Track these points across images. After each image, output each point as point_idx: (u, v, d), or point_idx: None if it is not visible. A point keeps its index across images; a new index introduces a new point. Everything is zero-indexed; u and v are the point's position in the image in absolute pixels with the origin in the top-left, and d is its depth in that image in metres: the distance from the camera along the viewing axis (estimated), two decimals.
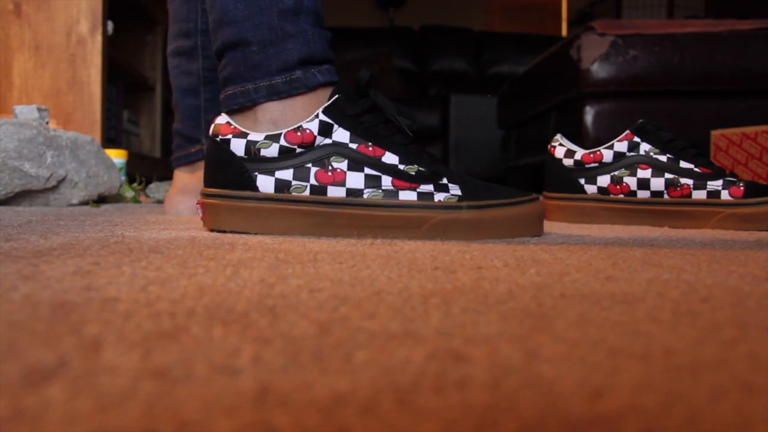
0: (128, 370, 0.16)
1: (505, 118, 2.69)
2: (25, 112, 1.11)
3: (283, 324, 0.22)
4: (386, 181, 0.53)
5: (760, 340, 0.21)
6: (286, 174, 0.54)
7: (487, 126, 3.01)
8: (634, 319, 0.23)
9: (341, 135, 0.54)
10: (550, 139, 2.00)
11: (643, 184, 0.79)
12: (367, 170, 0.54)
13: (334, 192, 0.54)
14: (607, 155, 0.82)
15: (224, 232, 0.56)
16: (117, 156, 1.44)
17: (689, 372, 0.17)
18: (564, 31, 4.67)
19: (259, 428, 0.13)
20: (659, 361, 0.18)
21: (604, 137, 1.66)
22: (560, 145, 0.88)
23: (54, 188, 1.02)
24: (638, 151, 0.80)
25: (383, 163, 0.54)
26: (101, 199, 1.15)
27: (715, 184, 0.76)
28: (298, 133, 0.53)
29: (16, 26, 1.65)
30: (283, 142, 0.54)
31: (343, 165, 0.54)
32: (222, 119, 0.56)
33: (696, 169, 0.77)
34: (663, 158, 0.79)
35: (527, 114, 2.34)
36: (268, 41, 0.57)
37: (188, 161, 0.98)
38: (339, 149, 0.54)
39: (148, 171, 2.11)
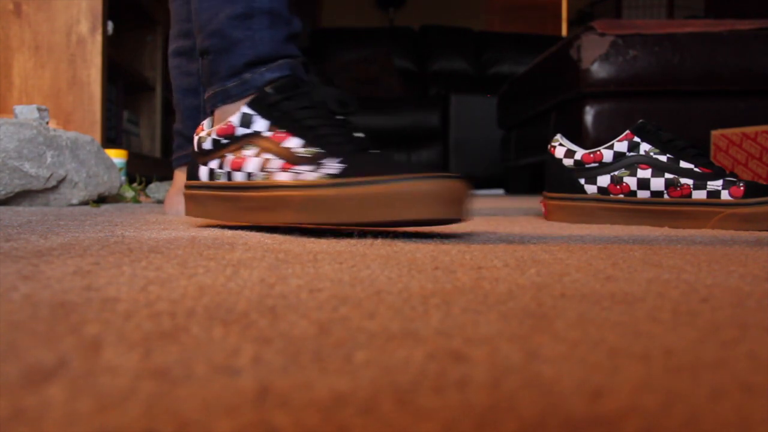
0: (128, 370, 0.16)
1: (505, 118, 2.70)
2: (25, 112, 1.11)
3: (283, 324, 0.22)
4: (276, 164, 0.55)
5: (760, 340, 0.21)
6: (214, 163, 0.60)
7: (487, 126, 3.01)
8: (634, 319, 0.23)
9: (260, 125, 0.57)
10: (550, 139, 2.00)
11: (643, 184, 0.79)
12: (265, 155, 0.56)
13: (238, 177, 0.57)
14: (607, 155, 0.82)
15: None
16: (117, 156, 1.44)
17: (689, 372, 0.17)
18: (564, 31, 4.67)
19: (259, 428, 0.13)
20: (659, 361, 0.18)
21: (604, 137, 1.66)
22: (560, 145, 0.88)
23: (54, 188, 1.02)
24: (638, 151, 0.80)
25: (280, 147, 0.55)
26: (101, 199, 1.15)
27: (715, 184, 0.76)
28: (225, 126, 0.58)
29: (16, 26, 1.65)
30: (214, 135, 0.59)
31: (249, 152, 0.57)
32: (205, 121, 0.63)
33: (696, 169, 0.77)
34: (663, 158, 0.79)
35: (527, 114, 2.34)
36: (221, 49, 0.61)
37: (188, 161, 0.99)
38: (253, 138, 0.57)
39: (148, 171, 2.11)
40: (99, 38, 1.68)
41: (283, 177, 0.53)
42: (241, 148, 0.57)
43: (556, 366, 0.17)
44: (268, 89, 0.57)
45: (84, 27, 1.67)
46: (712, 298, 0.28)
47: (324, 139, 0.54)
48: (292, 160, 0.54)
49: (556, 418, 0.14)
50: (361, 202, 0.48)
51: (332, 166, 0.51)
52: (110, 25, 1.79)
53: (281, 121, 0.56)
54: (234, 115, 0.58)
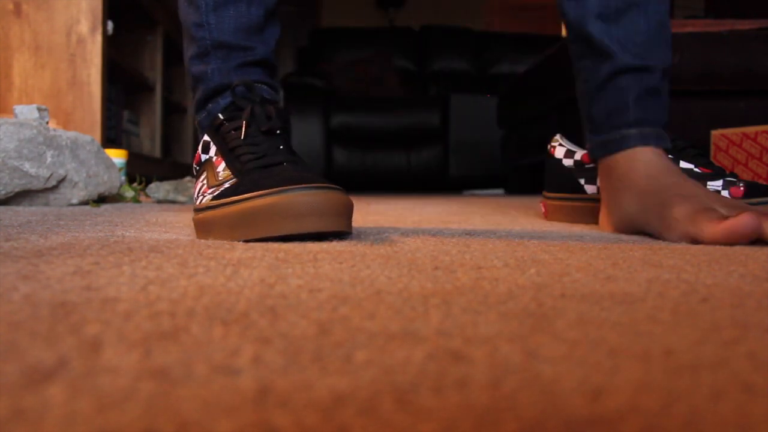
0: (128, 370, 0.16)
1: (505, 118, 2.69)
2: (25, 112, 1.11)
3: (283, 324, 0.22)
4: (205, 189, 0.57)
5: (760, 340, 0.21)
6: (195, 190, 0.62)
7: (487, 126, 3.01)
8: (634, 319, 0.23)
9: (212, 150, 0.59)
10: (550, 139, 2.00)
11: None
12: (203, 180, 0.59)
13: (198, 201, 0.58)
14: None
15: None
16: (117, 156, 1.44)
17: (689, 372, 0.17)
18: (564, 31, 4.67)
19: (259, 428, 0.13)
20: (659, 361, 0.18)
21: None
22: (560, 145, 0.88)
23: (54, 188, 1.02)
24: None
25: (215, 171, 0.57)
26: (101, 199, 1.15)
27: (715, 184, 0.76)
28: (197, 155, 0.62)
29: (16, 26, 1.65)
30: (195, 164, 0.63)
31: (201, 177, 0.60)
32: None
33: (696, 169, 0.77)
34: None
35: (527, 114, 2.34)
36: (192, 86, 0.68)
37: None
38: (206, 164, 0.60)
39: (148, 171, 2.11)
40: (99, 38, 1.68)
41: (199, 200, 0.57)
42: (202, 173, 0.61)
43: (556, 366, 0.17)
44: (220, 116, 0.60)
45: (84, 27, 1.67)
46: (712, 298, 0.28)
47: (235, 160, 0.55)
48: (212, 183, 0.57)
49: (556, 418, 0.14)
50: (230, 223, 0.48)
51: (222, 187, 0.53)
52: (110, 25, 1.79)
53: (219, 146, 0.59)
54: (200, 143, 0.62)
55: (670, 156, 0.69)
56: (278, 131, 0.57)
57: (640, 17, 0.63)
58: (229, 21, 0.64)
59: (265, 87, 0.66)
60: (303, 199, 0.45)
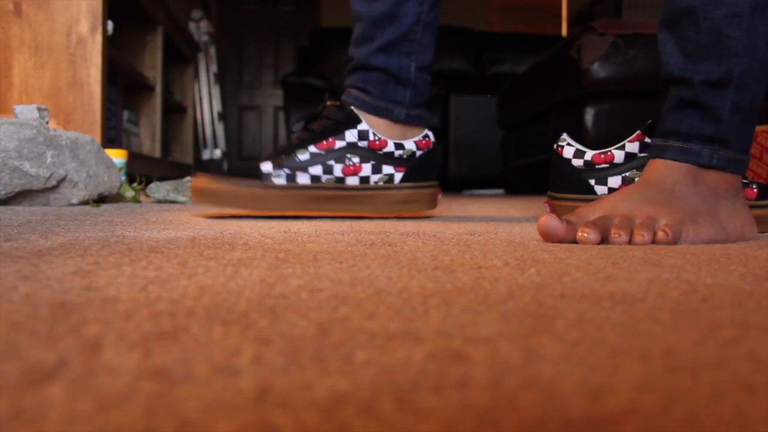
0: (128, 370, 0.16)
1: (505, 118, 2.69)
2: (25, 112, 1.11)
3: (283, 324, 0.22)
4: None
5: (760, 340, 0.21)
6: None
7: (487, 126, 3.01)
8: (634, 319, 0.23)
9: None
10: (550, 138, 2.00)
11: None
12: None
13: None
14: (618, 156, 0.81)
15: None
16: (117, 156, 1.44)
17: (689, 372, 0.17)
18: (564, 31, 4.67)
19: (259, 428, 0.13)
20: (659, 361, 0.18)
21: (605, 137, 1.66)
22: (568, 144, 0.87)
23: (54, 188, 1.02)
24: (649, 152, 0.80)
25: None
26: (101, 199, 1.15)
27: None
28: None
29: (16, 26, 1.65)
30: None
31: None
32: None
33: None
34: None
35: (527, 114, 2.34)
36: None
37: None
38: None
39: (148, 171, 2.11)
40: (99, 38, 1.68)
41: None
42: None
43: (556, 366, 0.17)
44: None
45: (84, 27, 1.67)
46: (712, 297, 0.28)
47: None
48: None
49: (556, 418, 0.14)
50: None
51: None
52: (110, 25, 1.79)
53: None
54: None
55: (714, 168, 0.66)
56: None
57: (691, 25, 0.60)
58: None
59: None
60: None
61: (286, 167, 0.77)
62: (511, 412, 0.14)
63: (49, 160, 0.99)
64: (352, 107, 0.80)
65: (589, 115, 1.76)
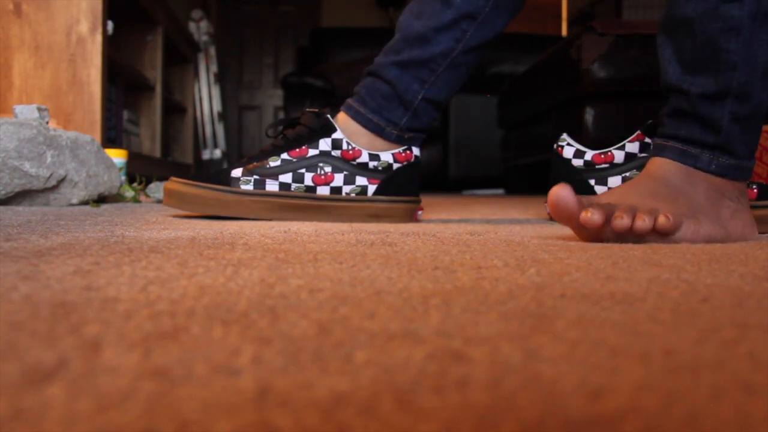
0: (128, 370, 0.16)
1: (505, 118, 2.69)
2: (25, 112, 1.11)
3: (283, 324, 0.22)
4: None
5: (760, 340, 0.21)
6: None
7: (487, 126, 3.01)
8: (634, 319, 0.23)
9: None
10: (550, 138, 2.00)
11: None
12: None
13: None
14: (618, 156, 0.81)
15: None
16: (117, 156, 1.44)
17: (689, 372, 0.17)
18: (564, 31, 4.67)
19: (259, 428, 0.13)
20: (659, 361, 0.18)
21: (605, 137, 1.65)
22: (568, 144, 0.87)
23: (54, 188, 1.02)
24: (650, 152, 0.80)
25: None
26: (101, 199, 1.15)
27: None
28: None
29: (16, 26, 1.65)
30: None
31: None
32: None
33: None
34: None
35: (527, 114, 2.34)
36: None
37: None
38: None
39: (148, 171, 2.11)
40: (99, 38, 1.68)
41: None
42: None
43: (556, 366, 0.17)
44: None
45: (84, 27, 1.67)
46: (712, 298, 0.28)
47: None
48: None
49: (556, 418, 0.14)
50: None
51: None
52: (110, 25, 1.79)
53: None
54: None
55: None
56: None
57: (688, 36, 0.59)
58: None
59: None
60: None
61: (256, 174, 0.76)
62: (511, 412, 0.14)
63: (49, 160, 0.99)
64: (328, 116, 0.79)
65: (589, 115, 1.76)
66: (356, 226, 0.70)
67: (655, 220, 0.52)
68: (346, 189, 0.78)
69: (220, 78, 4.03)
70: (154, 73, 2.37)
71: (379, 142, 0.80)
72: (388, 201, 0.80)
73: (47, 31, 1.66)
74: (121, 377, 0.16)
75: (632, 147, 0.81)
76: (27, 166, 0.96)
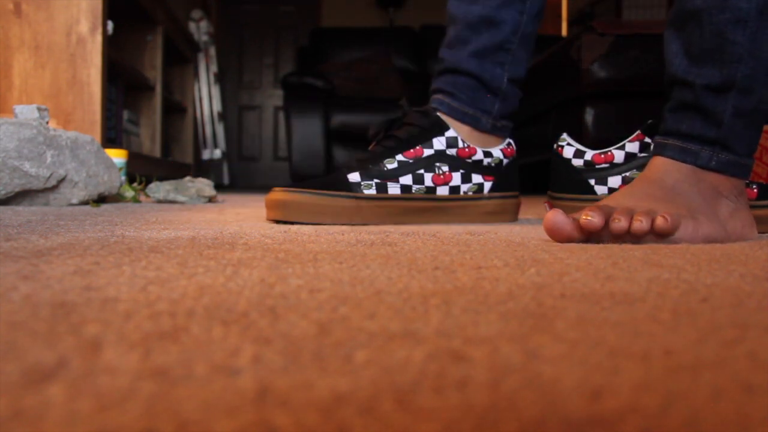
0: (128, 370, 0.16)
1: None
2: (25, 112, 1.11)
3: (283, 324, 0.22)
4: None
5: (760, 340, 0.21)
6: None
7: None
8: (634, 319, 0.23)
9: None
10: (550, 138, 2.00)
11: None
12: None
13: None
14: (618, 156, 0.81)
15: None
16: (117, 156, 1.44)
17: (689, 372, 0.17)
18: (564, 31, 4.67)
19: (259, 428, 0.13)
20: (659, 361, 0.18)
21: (605, 137, 1.65)
22: (568, 144, 0.87)
23: (54, 188, 1.02)
24: (650, 152, 0.80)
25: None
26: (101, 199, 1.15)
27: None
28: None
29: (16, 26, 1.65)
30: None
31: None
32: None
33: None
34: None
35: (527, 114, 2.34)
36: None
37: None
38: None
39: (148, 171, 2.11)
40: (99, 38, 1.68)
41: None
42: None
43: (556, 366, 0.17)
44: None
45: (84, 27, 1.67)
46: (712, 298, 0.28)
47: None
48: None
49: (556, 418, 0.14)
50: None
51: None
52: (110, 25, 1.79)
53: None
54: None
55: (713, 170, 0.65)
56: None
57: (696, 27, 0.60)
58: None
59: None
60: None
61: (376, 177, 0.73)
62: (511, 412, 0.14)
63: (49, 160, 0.99)
64: (438, 113, 0.77)
65: (589, 115, 1.76)
66: (356, 225, 0.70)
67: (653, 221, 0.52)
68: (464, 188, 0.78)
69: (220, 78, 4.03)
70: (154, 73, 2.37)
71: (475, 135, 0.79)
72: (503, 197, 0.81)
73: (47, 31, 1.66)
74: (121, 377, 0.16)
75: (632, 147, 0.81)
76: (27, 166, 0.96)
